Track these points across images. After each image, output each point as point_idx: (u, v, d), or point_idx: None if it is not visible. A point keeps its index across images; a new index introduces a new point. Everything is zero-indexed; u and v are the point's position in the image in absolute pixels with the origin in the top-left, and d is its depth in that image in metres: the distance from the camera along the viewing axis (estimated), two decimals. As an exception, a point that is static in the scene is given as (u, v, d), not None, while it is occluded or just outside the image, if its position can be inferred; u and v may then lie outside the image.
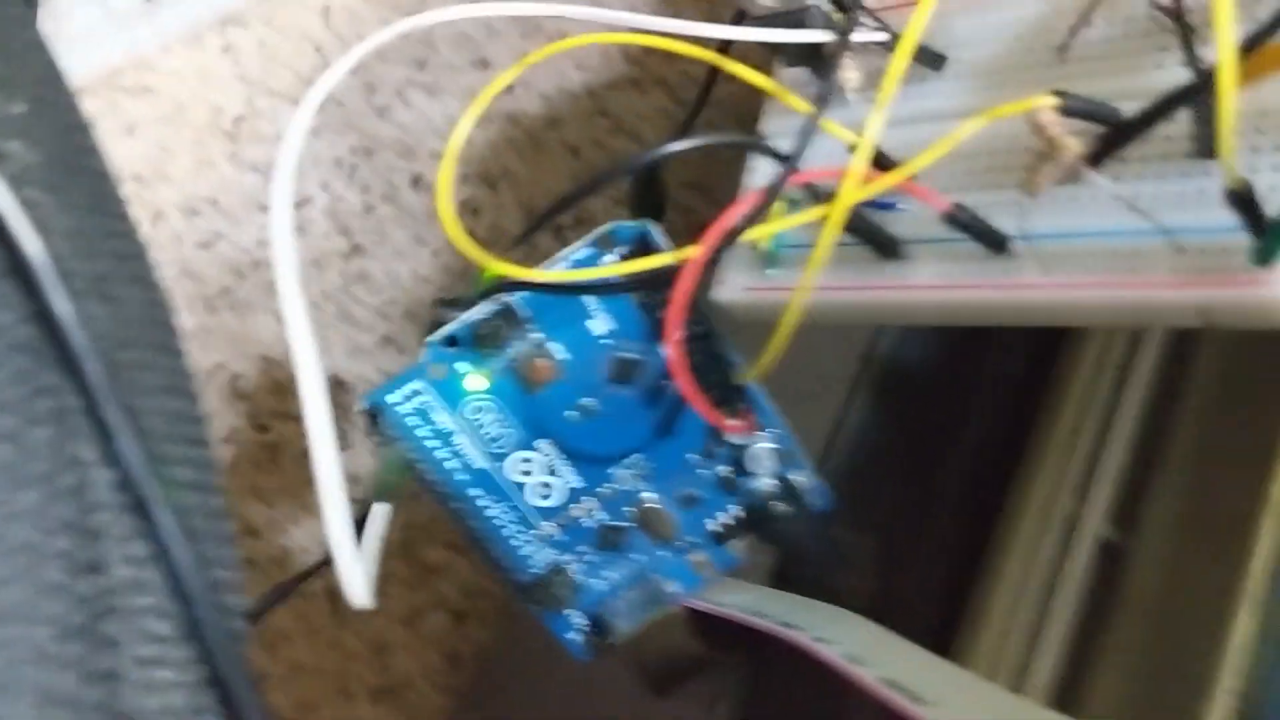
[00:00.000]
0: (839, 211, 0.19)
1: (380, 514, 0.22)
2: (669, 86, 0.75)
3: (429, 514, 0.47)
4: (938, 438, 0.29)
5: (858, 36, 0.21)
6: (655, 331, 0.24)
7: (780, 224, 0.20)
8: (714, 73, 0.55)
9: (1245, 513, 0.26)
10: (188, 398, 0.17)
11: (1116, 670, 0.26)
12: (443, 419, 0.24)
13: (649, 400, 0.25)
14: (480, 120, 0.75)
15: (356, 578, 0.18)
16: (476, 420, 0.25)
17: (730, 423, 0.23)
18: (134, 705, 0.15)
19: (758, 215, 0.19)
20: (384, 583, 0.23)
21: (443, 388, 0.24)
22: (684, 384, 0.21)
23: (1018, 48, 0.21)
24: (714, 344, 0.24)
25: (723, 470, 0.26)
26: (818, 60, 0.22)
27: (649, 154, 0.20)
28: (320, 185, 0.57)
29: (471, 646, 0.61)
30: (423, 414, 0.24)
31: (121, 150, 0.47)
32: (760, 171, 0.24)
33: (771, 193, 0.19)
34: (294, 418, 0.48)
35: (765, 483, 0.26)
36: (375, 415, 0.24)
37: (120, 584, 0.15)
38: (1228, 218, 0.17)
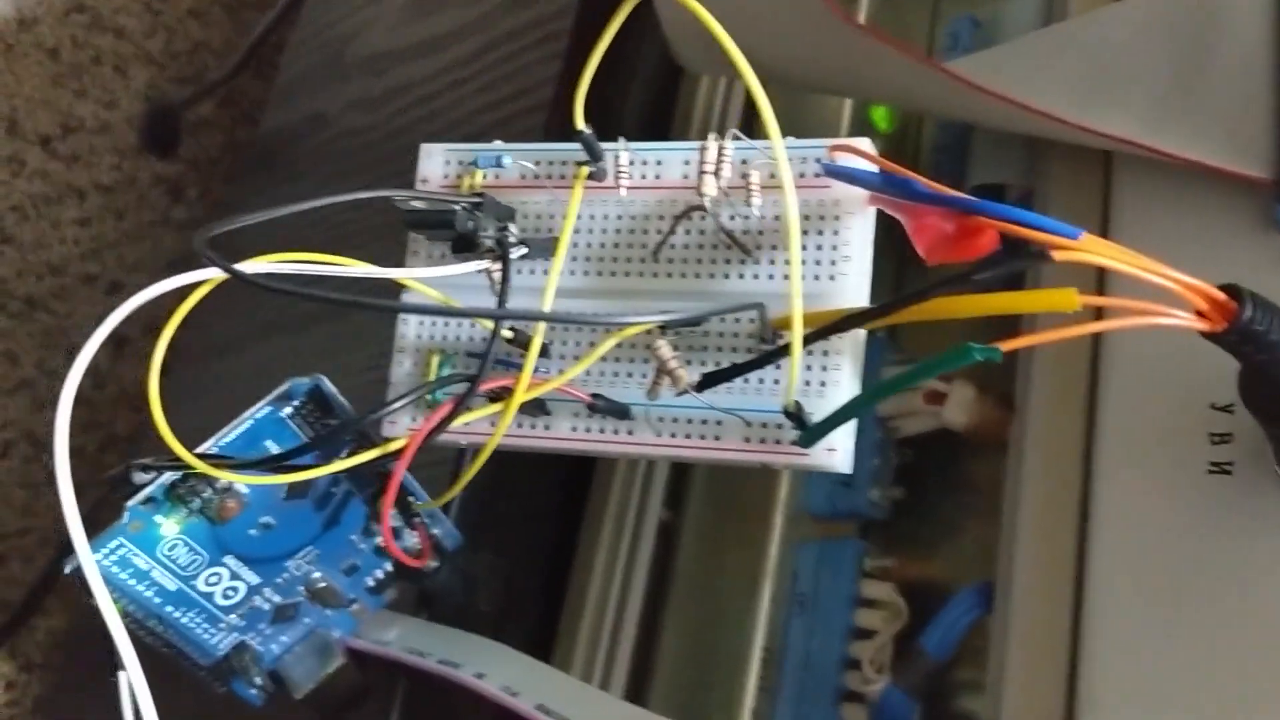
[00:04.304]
0: (512, 409, 0.25)
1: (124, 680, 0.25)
2: (144, -26, 0.72)
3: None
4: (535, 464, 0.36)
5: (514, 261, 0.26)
6: (322, 453, 0.29)
7: (471, 416, 0.25)
8: None
9: (762, 506, 0.35)
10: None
11: (677, 634, 0.35)
12: (141, 561, 0.27)
13: (319, 504, 0.30)
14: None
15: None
16: (171, 555, 0.28)
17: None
18: None
19: (451, 419, 0.25)
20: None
21: (140, 538, 0.27)
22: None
23: (620, 241, 0.27)
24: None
25: (379, 542, 0.31)
26: (460, 241, 0.27)
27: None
28: None
29: (18, 589, 0.61)
30: (123, 562, 0.27)
31: None
32: (409, 335, 0.28)
33: (460, 404, 0.25)
34: None
35: (413, 542, 0.32)
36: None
37: None
38: (778, 404, 0.25)
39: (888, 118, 0.38)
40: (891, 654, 0.31)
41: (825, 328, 0.23)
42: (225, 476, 0.25)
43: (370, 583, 0.32)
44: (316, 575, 0.30)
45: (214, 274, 0.23)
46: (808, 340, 0.23)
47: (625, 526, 0.36)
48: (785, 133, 0.24)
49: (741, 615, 0.34)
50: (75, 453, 0.25)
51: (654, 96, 0.41)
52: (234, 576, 0.29)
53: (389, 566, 0.32)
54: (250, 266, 0.23)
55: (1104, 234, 0.29)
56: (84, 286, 0.66)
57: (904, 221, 0.24)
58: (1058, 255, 0.20)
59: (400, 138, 0.45)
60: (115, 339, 0.67)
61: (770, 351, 0.24)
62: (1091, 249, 0.21)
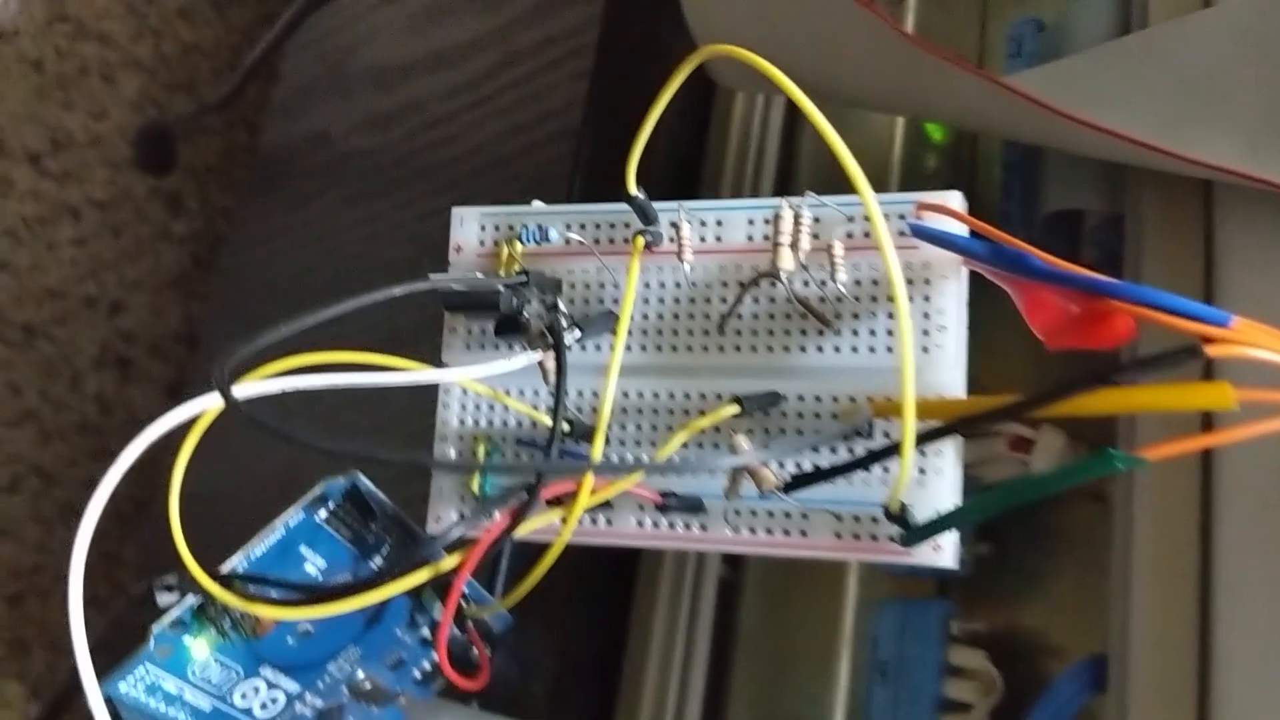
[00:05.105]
0: (574, 518, 0.22)
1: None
2: (128, -22, 0.69)
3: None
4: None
5: (569, 344, 0.23)
6: (361, 553, 0.26)
7: (529, 525, 0.23)
8: None
9: (833, 562, 0.33)
10: None
11: (746, 707, 0.33)
12: (171, 685, 0.25)
13: (359, 604, 0.27)
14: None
15: None
16: (204, 676, 0.25)
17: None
18: None
19: (510, 532, 0.22)
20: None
21: (169, 663, 0.25)
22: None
23: (681, 312, 0.24)
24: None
25: (425, 633, 0.29)
26: (505, 322, 0.24)
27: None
28: None
29: (35, 628, 0.59)
30: (153, 688, 0.25)
31: None
32: (452, 422, 0.26)
33: (519, 517, 0.22)
34: None
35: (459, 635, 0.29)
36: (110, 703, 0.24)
37: None
38: (873, 495, 0.22)
39: (943, 128, 0.35)
40: (989, 732, 0.28)
41: (956, 424, 0.20)
42: (267, 614, 0.23)
43: (417, 675, 0.29)
44: (360, 676, 0.28)
45: (218, 403, 0.20)
46: (923, 439, 0.20)
47: (683, 586, 0.33)
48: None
49: (817, 684, 0.32)
50: (85, 484, 0.22)
51: (684, 109, 0.38)
52: (272, 686, 0.27)
53: (436, 656, 0.29)
54: (274, 382, 0.20)
55: (1208, 272, 0.27)
56: (85, 310, 0.63)
57: (1013, 295, 0.21)
58: (1212, 351, 0.18)
59: (414, 161, 0.42)
60: (119, 362, 0.65)
61: (874, 453, 0.21)
62: (1248, 339, 0.18)
